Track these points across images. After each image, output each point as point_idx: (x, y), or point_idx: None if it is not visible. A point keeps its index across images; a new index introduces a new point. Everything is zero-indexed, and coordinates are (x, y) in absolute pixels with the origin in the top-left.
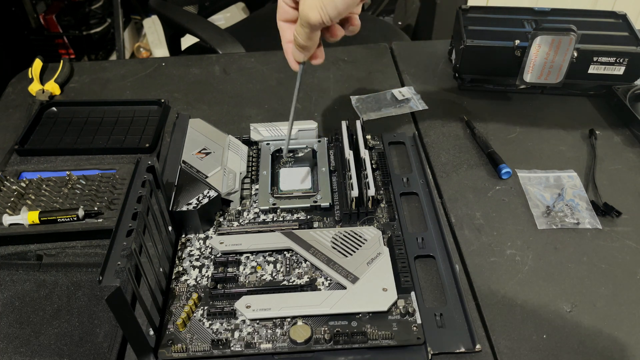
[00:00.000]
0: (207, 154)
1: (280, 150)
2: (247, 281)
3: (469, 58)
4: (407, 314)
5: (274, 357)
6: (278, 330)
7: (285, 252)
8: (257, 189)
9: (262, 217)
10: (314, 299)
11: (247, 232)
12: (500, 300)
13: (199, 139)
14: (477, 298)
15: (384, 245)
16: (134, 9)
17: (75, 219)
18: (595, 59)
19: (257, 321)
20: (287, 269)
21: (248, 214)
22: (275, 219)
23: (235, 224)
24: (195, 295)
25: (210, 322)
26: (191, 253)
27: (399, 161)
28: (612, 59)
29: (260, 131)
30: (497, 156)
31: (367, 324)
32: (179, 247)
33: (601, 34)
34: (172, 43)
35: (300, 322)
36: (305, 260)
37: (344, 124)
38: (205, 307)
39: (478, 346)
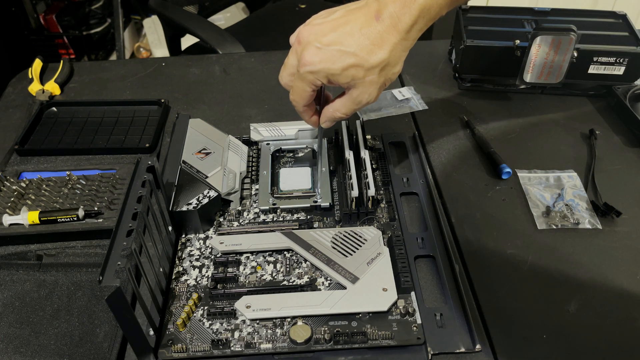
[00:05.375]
0: (207, 154)
1: (280, 150)
2: (247, 281)
3: (469, 58)
4: (407, 314)
5: (274, 357)
6: (278, 330)
7: (285, 252)
8: (257, 189)
9: (262, 217)
10: (314, 299)
11: (247, 232)
12: (500, 300)
13: (199, 139)
14: (477, 298)
15: (384, 245)
16: (134, 9)
17: (75, 219)
18: (595, 59)
19: (257, 321)
20: (287, 269)
21: (248, 214)
22: (275, 219)
23: (235, 224)
24: (195, 295)
25: (210, 322)
26: (191, 253)
27: (399, 161)
28: (612, 59)
29: (260, 131)
30: (497, 156)
31: (367, 324)
32: (179, 247)
33: (601, 34)
34: (172, 43)
35: (300, 322)
36: (305, 260)
37: (344, 124)
38: (205, 307)
39: (478, 346)
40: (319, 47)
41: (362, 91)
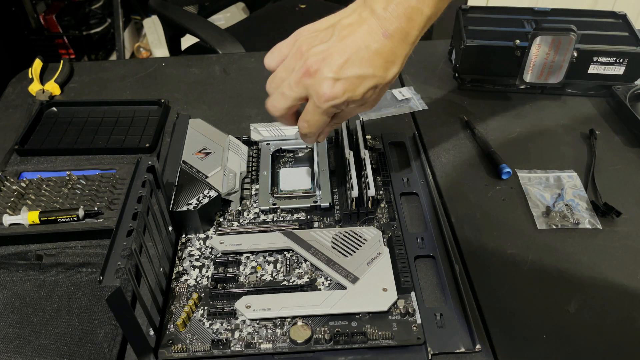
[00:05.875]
0: (207, 154)
1: (280, 150)
2: (247, 281)
3: (469, 58)
4: (407, 314)
5: (274, 357)
6: (278, 330)
7: (285, 252)
8: (257, 189)
9: (262, 217)
10: (314, 299)
11: (247, 232)
12: (500, 300)
13: (199, 139)
14: (477, 298)
15: (384, 245)
16: (134, 9)
17: (75, 219)
18: (595, 59)
19: (257, 321)
20: (287, 269)
21: (248, 214)
22: (275, 219)
23: (236, 224)
24: (195, 295)
25: (210, 322)
26: (191, 253)
27: (399, 161)
28: (612, 59)
29: (260, 131)
30: (497, 156)
31: (367, 324)
32: (179, 247)
33: (601, 34)
34: (172, 43)
35: (300, 322)
36: (306, 260)
37: (343, 124)
38: (205, 307)
39: (478, 346)
40: (336, 77)
41: (373, 103)
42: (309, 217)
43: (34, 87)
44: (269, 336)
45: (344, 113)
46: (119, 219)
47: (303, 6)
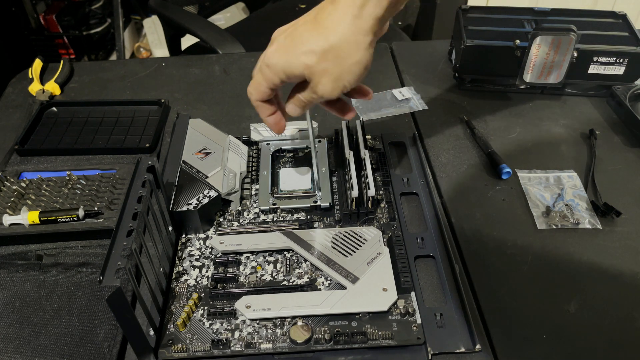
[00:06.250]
0: (207, 154)
1: (280, 151)
2: (247, 281)
3: (469, 58)
4: (407, 314)
5: (274, 357)
6: (278, 330)
7: (285, 252)
8: (257, 189)
9: (262, 217)
10: (314, 299)
11: (247, 232)
12: (500, 300)
13: (199, 139)
14: (477, 298)
15: (384, 245)
16: (134, 9)
17: (75, 219)
18: (595, 59)
19: (257, 321)
20: (287, 269)
21: (248, 214)
22: (275, 219)
23: (236, 224)
24: (195, 295)
25: (210, 322)
26: (191, 253)
27: (399, 161)
28: (612, 59)
29: (260, 131)
30: (497, 156)
31: (367, 324)
32: (179, 247)
33: (601, 34)
34: (172, 43)
35: (300, 322)
36: (306, 260)
37: (344, 124)
38: (206, 307)
39: (478, 346)
40: (280, 41)
41: (317, 81)
42: (309, 217)
43: (34, 87)
44: (269, 336)
45: (308, 95)
46: (119, 219)
47: (303, 6)
